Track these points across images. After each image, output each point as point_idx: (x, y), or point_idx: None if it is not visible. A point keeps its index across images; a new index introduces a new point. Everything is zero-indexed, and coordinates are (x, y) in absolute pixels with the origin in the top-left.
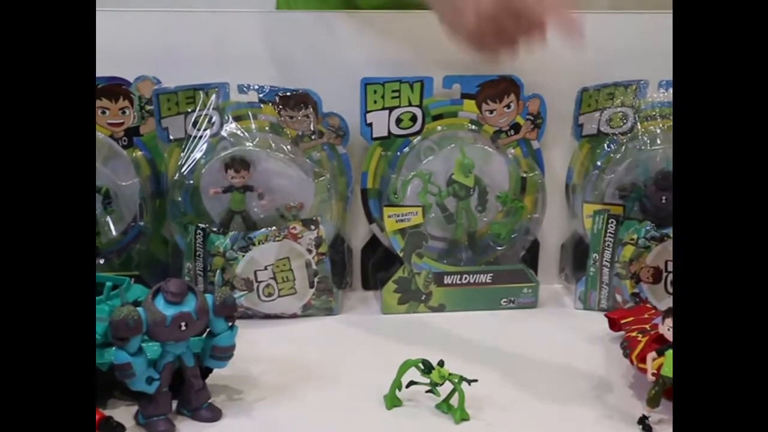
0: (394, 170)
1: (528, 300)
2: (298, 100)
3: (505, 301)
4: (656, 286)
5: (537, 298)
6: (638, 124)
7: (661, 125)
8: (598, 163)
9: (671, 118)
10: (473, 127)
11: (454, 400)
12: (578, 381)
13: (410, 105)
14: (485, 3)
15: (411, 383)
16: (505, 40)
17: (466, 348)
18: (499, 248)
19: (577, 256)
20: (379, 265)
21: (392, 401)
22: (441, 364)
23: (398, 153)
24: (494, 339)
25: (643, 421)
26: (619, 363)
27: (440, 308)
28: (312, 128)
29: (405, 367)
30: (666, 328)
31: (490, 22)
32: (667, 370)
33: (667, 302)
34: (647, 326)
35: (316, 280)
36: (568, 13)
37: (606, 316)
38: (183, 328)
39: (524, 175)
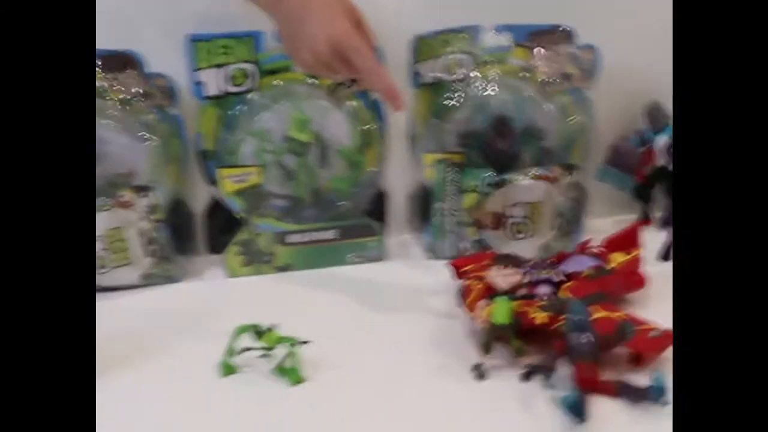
0: (229, 130)
1: (375, 253)
2: (121, 61)
3: (352, 256)
4: (499, 232)
5: (384, 250)
6: (475, 70)
7: (495, 70)
8: (438, 113)
9: (507, 62)
10: (310, 81)
11: (290, 363)
12: (421, 332)
13: (242, 61)
14: (321, 51)
15: (245, 349)
16: (338, 75)
17: (311, 307)
18: (342, 203)
19: (423, 206)
20: (222, 228)
21: (227, 369)
22: (273, 327)
23: (233, 111)
24: (341, 296)
25: (477, 368)
26: (460, 311)
27: (286, 268)
28: (138, 90)
29: (237, 333)
30: (494, 276)
31: (324, 66)
32: (496, 317)
33: (510, 248)
34: (485, 273)
35: (152, 248)
36: (389, 80)
37: (449, 264)
38: None
39: (364, 128)
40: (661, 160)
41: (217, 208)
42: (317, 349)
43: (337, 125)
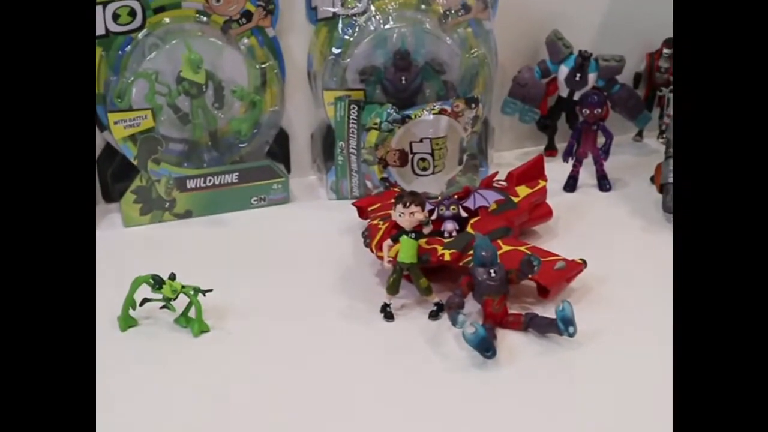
0: (116, 72)
1: (279, 196)
2: None
3: (255, 200)
4: (404, 169)
5: (288, 192)
6: (371, 3)
7: (393, 3)
8: (335, 49)
9: None
10: (202, 18)
11: (193, 313)
12: (327, 274)
13: None
14: None
15: (144, 301)
16: None
17: (214, 255)
18: (243, 145)
19: (327, 146)
20: (117, 176)
21: (126, 322)
22: (172, 277)
23: (120, 52)
24: (245, 241)
25: (384, 308)
26: (367, 252)
27: (187, 215)
28: None
29: (135, 284)
30: (398, 215)
31: None
32: (403, 256)
33: (415, 185)
34: (390, 212)
35: None
36: None
37: (354, 204)
38: None
39: (261, 66)
40: (563, 91)
41: (111, 155)
42: (220, 297)
43: (232, 64)
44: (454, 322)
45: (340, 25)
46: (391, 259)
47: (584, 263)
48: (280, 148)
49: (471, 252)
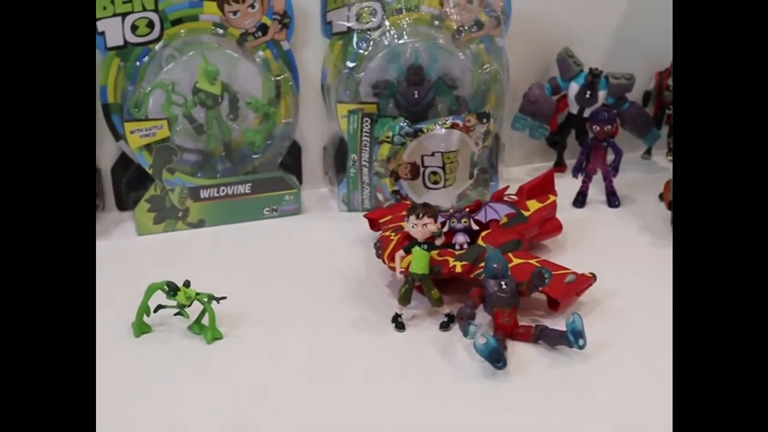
0: (134, 82)
1: (291, 207)
2: None
3: (267, 210)
4: (415, 182)
5: (300, 204)
6: (386, 19)
7: (407, 19)
8: (349, 63)
9: (418, 11)
10: (219, 30)
11: (206, 320)
12: (338, 285)
13: (145, 10)
14: None
15: (159, 307)
16: None
17: (226, 263)
18: (256, 156)
19: (339, 158)
20: (132, 184)
21: (140, 328)
22: (187, 284)
23: (137, 63)
24: (257, 251)
25: (396, 319)
26: (378, 263)
27: (200, 224)
28: None
29: (150, 291)
30: (410, 225)
31: None
32: (415, 267)
33: (426, 198)
34: (403, 224)
35: None
36: None
37: (365, 216)
38: None
39: (275, 79)
40: (573, 108)
41: (125, 164)
42: (233, 305)
43: (248, 76)
44: (465, 333)
45: (354, 40)
46: (403, 269)
47: (594, 277)
48: (292, 160)
49: (482, 264)
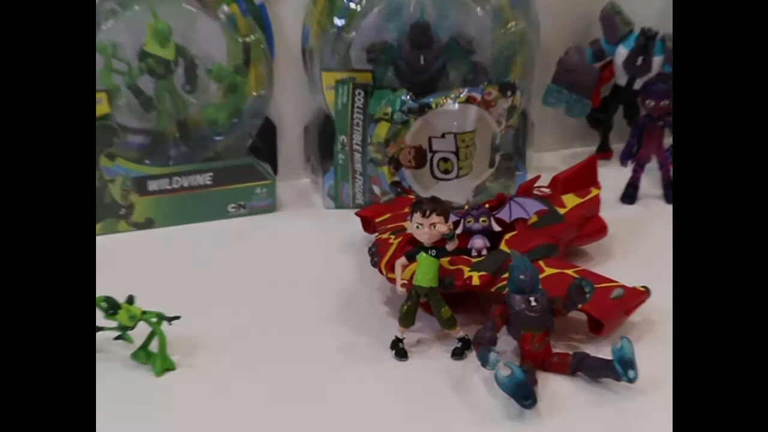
0: None
1: (263, 203)
2: None
3: (233, 207)
4: (421, 171)
5: (275, 199)
6: None
7: None
8: (337, 20)
9: None
10: None
11: (155, 346)
12: (322, 301)
13: None
14: None
15: (97, 330)
16: None
17: (181, 274)
18: (219, 138)
19: (324, 141)
20: None
21: None
22: (130, 300)
23: None
24: (220, 258)
25: (396, 344)
26: (373, 273)
27: (147, 224)
28: None
29: None
30: (415, 226)
31: None
32: (419, 279)
33: (436, 191)
34: (405, 224)
35: None
36: None
37: (358, 215)
38: None
39: (244, 41)
40: (621, 78)
41: None
42: (190, 327)
43: (209, 37)
44: (484, 363)
45: None
46: (405, 282)
47: (647, 291)
48: (265, 143)
49: (506, 275)
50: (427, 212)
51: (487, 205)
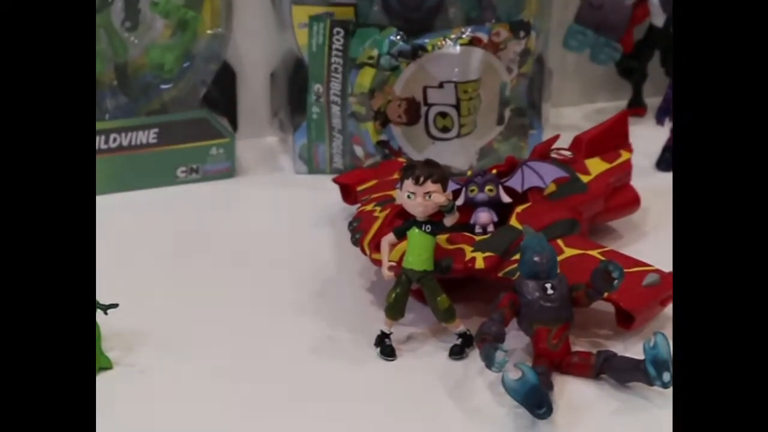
0: None
1: (220, 166)
2: None
3: (184, 171)
4: (413, 128)
5: (234, 161)
6: None
7: None
8: None
9: None
10: None
11: None
12: (295, 288)
13: None
14: None
15: None
16: None
17: (120, 253)
18: (166, 87)
19: (295, 91)
20: None
21: None
22: None
23: None
24: (167, 233)
25: (381, 340)
26: (354, 253)
27: None
28: None
29: None
30: (405, 195)
31: None
32: (412, 260)
33: (431, 152)
34: (394, 193)
35: None
36: None
37: (336, 181)
38: None
39: None
40: (658, 17)
41: None
42: (129, 317)
43: None
44: (489, 363)
45: None
46: (393, 264)
47: None
48: (222, 93)
49: (516, 257)
50: (421, 179)
51: (494, 171)
